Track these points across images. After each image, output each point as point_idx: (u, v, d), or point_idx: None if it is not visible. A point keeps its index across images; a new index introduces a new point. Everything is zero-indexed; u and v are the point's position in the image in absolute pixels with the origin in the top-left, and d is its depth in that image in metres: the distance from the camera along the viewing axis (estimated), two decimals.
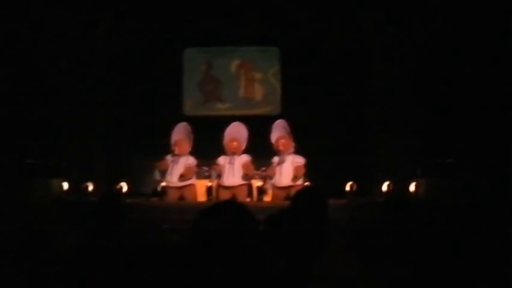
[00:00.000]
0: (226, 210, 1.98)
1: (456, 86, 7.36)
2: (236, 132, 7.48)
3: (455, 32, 7.44)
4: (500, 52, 6.54)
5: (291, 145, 7.33)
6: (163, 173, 7.43)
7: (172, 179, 7.31)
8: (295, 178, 7.16)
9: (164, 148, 7.55)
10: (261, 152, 7.50)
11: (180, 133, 7.52)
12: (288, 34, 9.74)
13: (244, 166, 7.27)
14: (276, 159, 7.30)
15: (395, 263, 2.54)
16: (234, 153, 7.32)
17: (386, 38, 8.81)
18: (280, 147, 7.26)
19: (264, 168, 7.59)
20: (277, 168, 7.23)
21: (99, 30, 9.02)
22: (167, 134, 7.56)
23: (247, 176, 7.35)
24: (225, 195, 7.21)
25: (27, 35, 7.76)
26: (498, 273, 2.78)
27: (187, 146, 7.44)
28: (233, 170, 7.26)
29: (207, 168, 7.95)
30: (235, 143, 7.34)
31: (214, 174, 7.43)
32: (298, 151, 7.37)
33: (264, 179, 7.55)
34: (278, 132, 7.41)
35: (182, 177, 7.29)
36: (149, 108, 9.78)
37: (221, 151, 7.48)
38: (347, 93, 9.64)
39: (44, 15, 8.05)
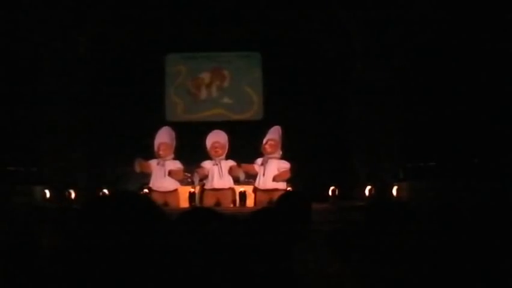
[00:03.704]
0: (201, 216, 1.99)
1: (438, 89, 7.42)
2: (216, 136, 7.51)
3: (437, 33, 7.51)
4: (482, 53, 6.60)
5: (278, 149, 7.38)
6: (143, 176, 7.36)
7: (162, 183, 7.32)
8: (279, 181, 7.21)
9: (147, 153, 7.53)
10: (246, 158, 7.53)
11: (163, 137, 7.50)
12: (269, 39, 9.77)
13: (232, 168, 7.32)
14: (259, 160, 7.36)
15: (378, 264, 2.56)
16: (217, 155, 7.34)
17: (367, 42, 8.86)
18: (268, 149, 7.32)
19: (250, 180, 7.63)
20: (261, 170, 7.28)
21: (82, 38, 8.97)
22: (149, 139, 7.57)
23: (234, 178, 7.42)
24: (210, 200, 7.22)
25: (9, 40, 7.71)
26: (482, 274, 2.81)
27: (170, 149, 7.45)
28: (221, 173, 7.28)
29: (189, 175, 7.93)
30: (216, 145, 7.38)
31: (197, 178, 7.43)
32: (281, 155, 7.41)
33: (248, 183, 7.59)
34: (269, 135, 7.49)
35: (171, 178, 7.30)
36: (131, 114, 9.70)
37: (204, 157, 7.49)
38: (328, 97, 9.68)
39: (26, 21, 8.00)
